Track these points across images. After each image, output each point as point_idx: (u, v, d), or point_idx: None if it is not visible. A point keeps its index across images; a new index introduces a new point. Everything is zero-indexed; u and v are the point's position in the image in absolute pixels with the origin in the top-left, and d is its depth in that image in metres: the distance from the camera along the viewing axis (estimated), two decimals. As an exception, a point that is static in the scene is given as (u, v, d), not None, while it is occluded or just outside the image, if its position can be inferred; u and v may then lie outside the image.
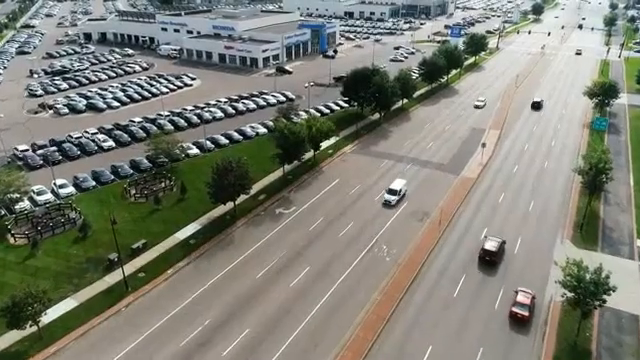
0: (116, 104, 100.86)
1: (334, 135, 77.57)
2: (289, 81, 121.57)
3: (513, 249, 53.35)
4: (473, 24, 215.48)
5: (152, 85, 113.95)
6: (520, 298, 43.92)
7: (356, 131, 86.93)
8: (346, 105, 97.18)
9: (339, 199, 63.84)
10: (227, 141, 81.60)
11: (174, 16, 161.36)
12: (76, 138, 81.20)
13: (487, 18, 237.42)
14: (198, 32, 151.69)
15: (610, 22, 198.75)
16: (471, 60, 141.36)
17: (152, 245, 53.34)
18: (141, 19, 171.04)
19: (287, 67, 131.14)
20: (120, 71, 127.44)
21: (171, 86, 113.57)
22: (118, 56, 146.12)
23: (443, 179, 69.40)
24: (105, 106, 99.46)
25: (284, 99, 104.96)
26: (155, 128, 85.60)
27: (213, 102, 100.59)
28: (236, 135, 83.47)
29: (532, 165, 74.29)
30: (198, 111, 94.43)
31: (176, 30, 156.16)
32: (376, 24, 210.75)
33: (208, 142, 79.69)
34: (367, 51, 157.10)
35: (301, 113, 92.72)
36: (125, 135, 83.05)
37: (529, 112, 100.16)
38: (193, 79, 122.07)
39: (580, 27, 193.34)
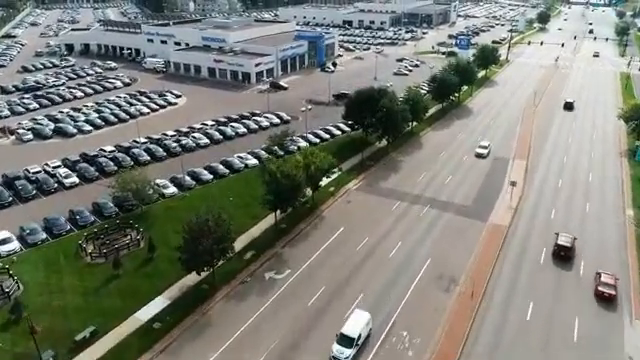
0: (88, 128, 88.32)
1: (336, 169, 65.41)
2: (284, 98, 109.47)
3: (571, 336, 41.05)
4: (478, 33, 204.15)
5: (131, 105, 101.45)
6: None
7: (361, 162, 74.68)
8: (348, 129, 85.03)
9: (344, 258, 51.33)
10: (210, 176, 69.09)
11: (161, 26, 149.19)
12: (34, 173, 68.58)
13: (491, 27, 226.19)
14: (186, 44, 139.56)
15: (623, 32, 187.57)
16: (481, 74, 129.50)
17: (104, 331, 40.72)
18: (127, 29, 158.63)
19: (282, 82, 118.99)
20: (99, 87, 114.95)
21: (153, 105, 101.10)
22: (99, 70, 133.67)
23: (468, 227, 57.09)
24: (75, 131, 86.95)
25: (278, 121, 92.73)
26: (128, 159, 73.15)
27: (198, 126, 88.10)
28: (221, 168, 70.96)
29: (571, 208, 62.02)
30: (180, 137, 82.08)
31: (163, 42, 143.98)
32: (376, 33, 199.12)
33: (188, 178, 67.24)
34: (368, 63, 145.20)
35: (297, 139, 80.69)
36: (92, 168, 70.51)
37: (555, 135, 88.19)
38: (178, 97, 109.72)
39: (594, 38, 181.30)
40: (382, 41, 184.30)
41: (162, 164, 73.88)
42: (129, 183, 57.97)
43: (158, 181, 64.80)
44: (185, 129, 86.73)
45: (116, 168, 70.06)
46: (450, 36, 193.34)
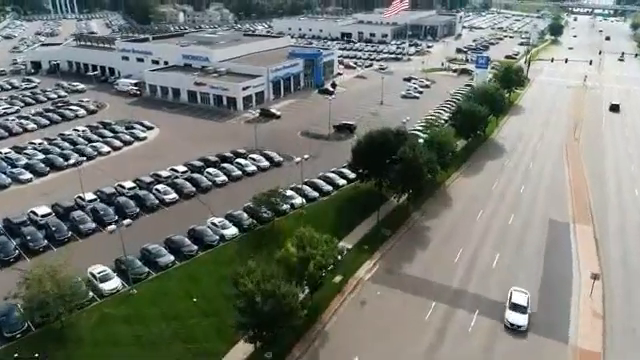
0: (27, 176, 68.96)
1: (345, 251, 46.47)
2: (276, 129, 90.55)
3: None
4: (487, 47, 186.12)
5: (90, 141, 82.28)
6: None
7: (376, 229, 55.61)
8: (354, 175, 65.83)
9: None
10: (171, 257, 49.69)
11: (137, 42, 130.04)
12: None
13: (500, 39, 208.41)
14: (165, 62, 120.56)
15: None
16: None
17: None
18: (101, 45, 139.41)
19: (273, 109, 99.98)
20: (57, 116, 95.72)
21: (116, 142, 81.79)
22: (64, 93, 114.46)
23: (545, 355, 38.01)
24: (9, 180, 67.62)
25: (267, 164, 73.63)
26: (65, 229, 53.93)
27: (166, 173, 68.72)
28: (186, 244, 51.61)
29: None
30: (140, 192, 62.90)
31: (139, 59, 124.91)
32: (378, 47, 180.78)
33: (138, 262, 47.95)
34: (372, 83, 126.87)
35: (290, 194, 61.66)
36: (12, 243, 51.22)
37: (616, 183, 69.45)
38: (149, 128, 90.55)
39: (621, 54, 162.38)
40: (385, 56, 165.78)
41: (107, 238, 54.43)
42: (42, 285, 38.50)
43: (93, 271, 45.68)
44: (148, 178, 67.46)
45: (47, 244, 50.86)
46: (459, 50, 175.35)
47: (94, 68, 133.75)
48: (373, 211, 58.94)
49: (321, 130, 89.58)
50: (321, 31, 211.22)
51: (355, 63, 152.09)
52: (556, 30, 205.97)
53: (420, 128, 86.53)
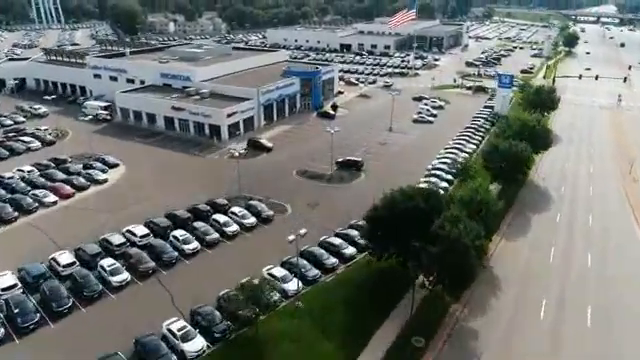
0: (-64, 242, 52.01)
1: None
2: (266, 166, 74.07)
3: None
4: (498, 59, 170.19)
5: (35, 186, 65.31)
6: None
7: (403, 342, 38.57)
8: (366, 241, 48.91)
9: None
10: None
11: (111, 58, 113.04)
12: None
13: (510, 51, 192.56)
14: (142, 82, 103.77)
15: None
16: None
17: None
18: (72, 59, 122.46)
19: (264, 139, 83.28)
20: (4, 151, 78.73)
21: (66, 188, 64.72)
22: (22, 118, 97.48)
23: None
24: None
25: (253, 221, 56.65)
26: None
27: (118, 239, 51.51)
28: (130, 371, 34.80)
29: None
30: (79, 272, 45.83)
31: (113, 78, 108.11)
32: (380, 60, 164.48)
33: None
34: (377, 103, 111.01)
35: (283, 275, 44.82)
36: None
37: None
38: (113, 166, 73.71)
39: None
40: (389, 70, 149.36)
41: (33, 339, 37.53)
42: None
43: None
44: (94, 247, 50.39)
45: None
46: (469, 64, 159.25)
47: (64, 86, 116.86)
48: (395, 302, 42.28)
49: (321, 167, 73.01)
50: (319, 42, 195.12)
51: (357, 79, 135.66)
52: (570, 41, 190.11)
53: (442, 166, 70.05)
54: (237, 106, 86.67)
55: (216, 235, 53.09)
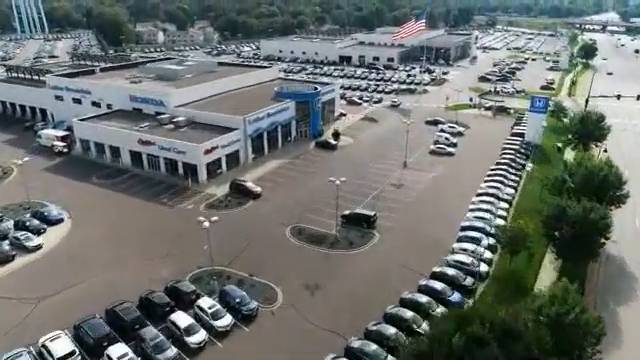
0: None
1: None
2: (252, 219, 57.58)
3: None
4: (513, 73, 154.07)
5: (-61, 259, 48.32)
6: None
7: None
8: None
9: None
10: None
11: (73, 77, 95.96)
12: None
13: (522, 62, 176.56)
14: (109, 105, 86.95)
15: None
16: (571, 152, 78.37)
17: None
18: (33, 78, 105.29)
19: (250, 183, 66.34)
20: None
21: (-19, 261, 47.84)
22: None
23: None
24: None
25: (227, 323, 39.57)
26: None
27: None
28: None
29: None
30: None
31: (76, 100, 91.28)
32: (384, 74, 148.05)
33: None
34: (385, 128, 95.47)
35: None
36: None
37: None
38: (55, 222, 56.77)
39: None
40: (395, 87, 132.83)
41: None
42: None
43: None
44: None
45: None
46: (481, 78, 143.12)
47: (22, 109, 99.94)
48: None
49: (322, 222, 56.30)
50: (316, 54, 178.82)
51: (360, 97, 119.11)
52: (588, 52, 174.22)
53: (478, 224, 53.40)
54: (218, 139, 69.79)
55: (172, 353, 36.00)
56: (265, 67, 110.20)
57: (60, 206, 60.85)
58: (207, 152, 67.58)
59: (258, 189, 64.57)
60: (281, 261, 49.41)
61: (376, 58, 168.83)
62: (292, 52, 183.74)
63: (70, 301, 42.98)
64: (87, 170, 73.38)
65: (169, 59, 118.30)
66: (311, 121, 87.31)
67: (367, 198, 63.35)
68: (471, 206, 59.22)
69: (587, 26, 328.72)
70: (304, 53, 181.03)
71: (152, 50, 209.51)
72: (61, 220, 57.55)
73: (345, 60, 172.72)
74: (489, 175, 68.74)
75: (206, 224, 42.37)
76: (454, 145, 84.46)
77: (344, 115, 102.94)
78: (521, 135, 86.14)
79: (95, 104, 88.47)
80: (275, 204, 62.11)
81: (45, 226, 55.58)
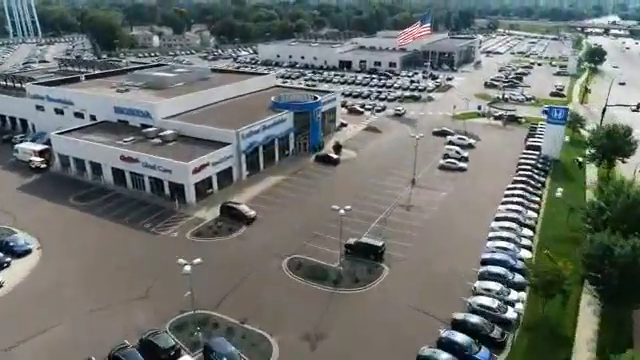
0: None
1: None
2: (244, 250, 50.89)
3: None
4: (520, 78, 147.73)
5: None
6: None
7: None
8: None
9: None
10: None
11: (56, 85, 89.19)
12: None
13: (528, 68, 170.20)
14: (92, 116, 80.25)
15: None
16: (592, 169, 71.83)
17: None
18: (15, 84, 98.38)
19: (244, 206, 59.40)
20: None
21: None
22: None
23: None
24: None
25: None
26: None
27: None
28: None
29: None
30: None
31: (58, 111, 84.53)
32: (387, 81, 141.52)
33: None
34: (390, 139, 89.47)
35: None
36: None
37: None
38: (22, 254, 49.96)
39: None
40: (398, 94, 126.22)
41: None
42: None
43: None
44: None
45: None
46: (487, 84, 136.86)
47: (2, 119, 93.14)
48: None
49: (323, 252, 49.69)
50: (315, 59, 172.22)
51: (362, 106, 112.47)
52: (598, 57, 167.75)
53: (501, 256, 46.78)
54: (208, 156, 63.01)
55: None
56: (262, 74, 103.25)
57: (30, 233, 54.06)
58: (196, 171, 60.82)
59: (252, 213, 57.78)
60: (277, 303, 42.69)
61: (377, 63, 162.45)
62: (290, 57, 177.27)
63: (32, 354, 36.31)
64: (65, 189, 66.56)
65: (160, 65, 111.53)
66: (311, 133, 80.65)
67: (373, 222, 56.71)
68: (490, 234, 52.51)
69: (589, 29, 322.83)
70: (303, 58, 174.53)
71: (146, 55, 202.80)
72: (29, 251, 50.68)
73: (345, 65, 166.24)
74: (507, 195, 62.04)
75: (187, 268, 35.49)
76: (465, 159, 77.87)
77: (345, 125, 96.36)
78: (536, 148, 79.59)
79: (78, 115, 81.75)
80: (271, 230, 55.39)
81: (9, 259, 48.74)
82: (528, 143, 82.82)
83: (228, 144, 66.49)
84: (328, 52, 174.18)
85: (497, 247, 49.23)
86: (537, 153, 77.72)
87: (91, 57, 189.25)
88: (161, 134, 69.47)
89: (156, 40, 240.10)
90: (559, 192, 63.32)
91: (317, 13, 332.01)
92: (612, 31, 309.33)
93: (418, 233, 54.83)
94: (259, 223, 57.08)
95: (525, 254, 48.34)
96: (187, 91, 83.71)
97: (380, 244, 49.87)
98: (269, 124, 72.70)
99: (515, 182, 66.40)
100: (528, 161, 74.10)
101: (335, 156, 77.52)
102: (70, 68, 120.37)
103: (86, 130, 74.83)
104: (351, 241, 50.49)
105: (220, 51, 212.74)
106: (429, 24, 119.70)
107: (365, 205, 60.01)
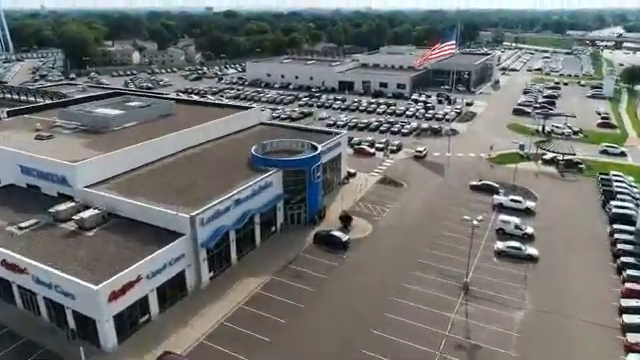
0: None
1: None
2: None
3: None
4: (552, 102, 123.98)
5: None
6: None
7: None
8: None
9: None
10: None
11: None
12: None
13: (556, 89, 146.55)
14: (-5, 176, 54.94)
15: None
16: None
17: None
18: None
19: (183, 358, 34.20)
20: None
21: None
22: None
23: None
24: None
25: None
26: None
27: None
28: None
29: None
30: None
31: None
32: (397, 107, 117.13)
33: None
34: (417, 196, 63.52)
35: None
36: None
37: None
38: None
39: None
40: (414, 124, 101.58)
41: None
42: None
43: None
44: None
45: None
46: (517, 111, 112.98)
47: None
48: None
49: None
50: (312, 79, 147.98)
51: (372, 144, 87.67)
52: (635, 77, 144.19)
53: None
54: (138, 267, 37.64)
55: None
56: (243, 108, 78.30)
57: None
58: (115, 297, 35.57)
59: (208, 378, 32.57)
60: None
61: (383, 84, 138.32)
62: (283, 76, 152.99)
63: None
64: None
65: (116, 95, 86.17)
66: (308, 199, 55.70)
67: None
68: None
69: (600, 43, 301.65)
70: (297, 78, 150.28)
71: (122, 73, 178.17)
72: None
73: (346, 87, 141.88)
74: (626, 310, 37.30)
75: None
76: (530, 237, 53.19)
77: (353, 176, 71.59)
78: (626, 217, 55.11)
79: (-23, 174, 56.35)
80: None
81: None
82: (613, 210, 57.87)
83: (180, 236, 41.43)
84: (326, 71, 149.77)
85: None
86: (631, 228, 53.13)
87: (57, 76, 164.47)
88: (77, 216, 44.19)
89: (136, 56, 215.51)
90: None
91: (312, 26, 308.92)
92: (626, 44, 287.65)
93: None
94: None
95: None
96: (135, 138, 58.52)
97: None
98: (245, 195, 47.71)
99: (631, 292, 41.65)
100: (625, 245, 49.52)
101: (344, 237, 52.47)
102: (8, 95, 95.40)
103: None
104: None
105: (205, 69, 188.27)
106: (454, 42, 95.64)
107: (392, 341, 35.05)
